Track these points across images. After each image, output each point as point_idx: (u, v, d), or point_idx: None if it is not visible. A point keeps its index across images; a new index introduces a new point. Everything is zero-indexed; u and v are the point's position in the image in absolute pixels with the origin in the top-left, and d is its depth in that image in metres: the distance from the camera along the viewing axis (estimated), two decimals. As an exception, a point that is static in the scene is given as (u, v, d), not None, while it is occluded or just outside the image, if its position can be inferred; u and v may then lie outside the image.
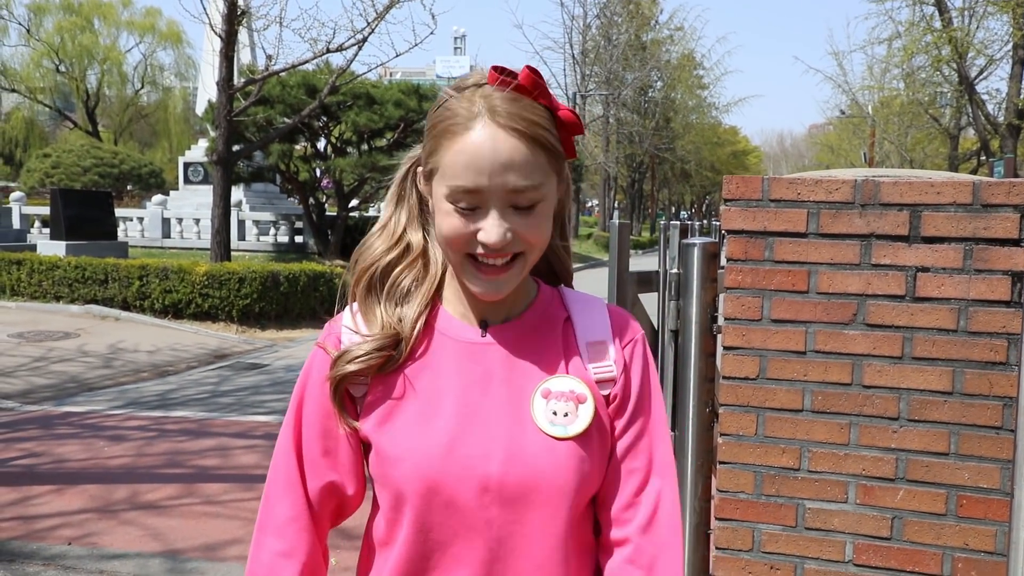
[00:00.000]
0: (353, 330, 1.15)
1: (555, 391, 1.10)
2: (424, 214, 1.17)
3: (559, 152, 1.08)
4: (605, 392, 1.14)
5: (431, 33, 14.06)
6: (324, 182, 19.19)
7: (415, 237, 1.18)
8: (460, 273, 1.10)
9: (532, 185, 1.04)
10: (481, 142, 1.02)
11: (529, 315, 1.15)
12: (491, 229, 1.04)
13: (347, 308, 1.20)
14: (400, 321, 1.14)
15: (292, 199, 22.61)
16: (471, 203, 1.04)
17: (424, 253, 1.17)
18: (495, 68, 1.06)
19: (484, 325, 1.14)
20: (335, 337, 1.17)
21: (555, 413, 1.09)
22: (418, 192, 1.16)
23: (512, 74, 1.05)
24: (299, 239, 20.13)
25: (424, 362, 1.13)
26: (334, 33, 13.33)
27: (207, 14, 13.34)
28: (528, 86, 1.05)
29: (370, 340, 1.13)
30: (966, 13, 21.06)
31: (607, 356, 1.15)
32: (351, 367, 1.12)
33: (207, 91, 20.78)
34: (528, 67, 1.06)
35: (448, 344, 1.14)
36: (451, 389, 1.11)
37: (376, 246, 1.18)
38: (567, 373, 1.12)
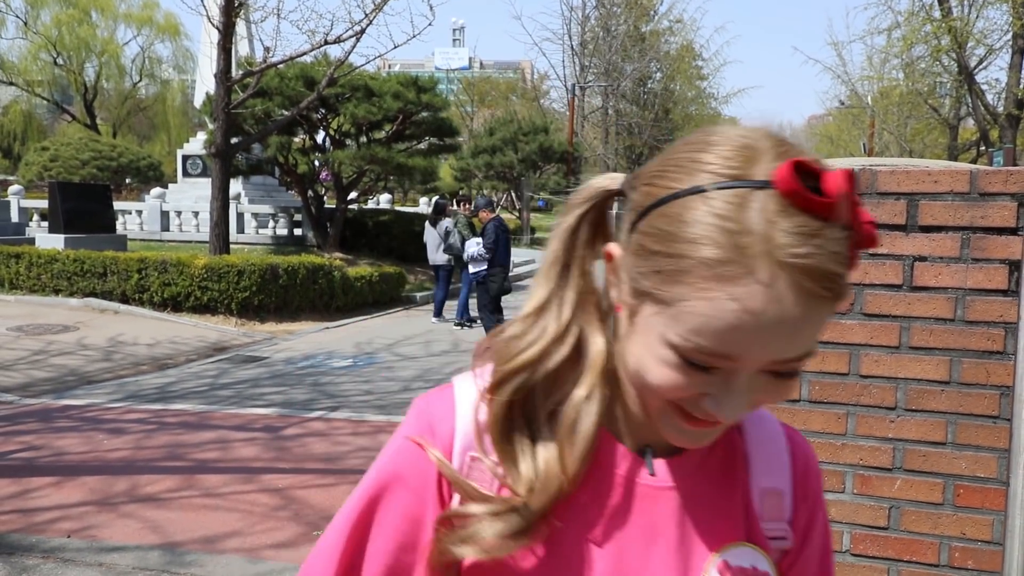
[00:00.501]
0: (488, 464, 0.80)
1: (734, 566, 0.80)
2: (597, 295, 0.81)
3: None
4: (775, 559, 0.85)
5: (429, 25, 14.05)
6: (323, 174, 19.16)
7: (595, 342, 0.79)
8: (654, 415, 0.76)
9: (807, 352, 0.69)
10: (759, 306, 0.65)
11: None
12: (730, 406, 0.70)
13: (464, 397, 0.83)
14: (560, 466, 0.77)
15: (291, 192, 22.59)
16: (712, 365, 0.69)
17: (605, 360, 0.79)
18: (796, 166, 0.65)
19: (647, 453, 0.82)
20: (443, 443, 0.81)
21: None
22: (591, 256, 0.81)
23: (814, 181, 0.65)
24: (298, 232, 20.10)
25: (571, 501, 0.79)
26: (332, 25, 13.36)
27: (204, 6, 13.31)
28: (843, 212, 0.65)
29: (514, 511, 0.77)
30: (965, 2, 21.01)
31: (783, 514, 0.85)
32: (474, 552, 0.77)
33: (205, 84, 20.74)
34: (845, 172, 0.65)
35: (605, 480, 0.81)
36: (604, 547, 0.80)
37: (533, 343, 0.79)
38: (746, 540, 0.82)
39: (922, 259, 2.08)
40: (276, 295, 12.17)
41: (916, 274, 2.09)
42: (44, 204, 18.78)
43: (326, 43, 13.37)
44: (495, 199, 28.50)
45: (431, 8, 13.92)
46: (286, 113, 15.91)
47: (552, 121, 36.83)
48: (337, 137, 18.89)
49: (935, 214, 2.07)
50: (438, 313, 12.51)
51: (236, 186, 19.25)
